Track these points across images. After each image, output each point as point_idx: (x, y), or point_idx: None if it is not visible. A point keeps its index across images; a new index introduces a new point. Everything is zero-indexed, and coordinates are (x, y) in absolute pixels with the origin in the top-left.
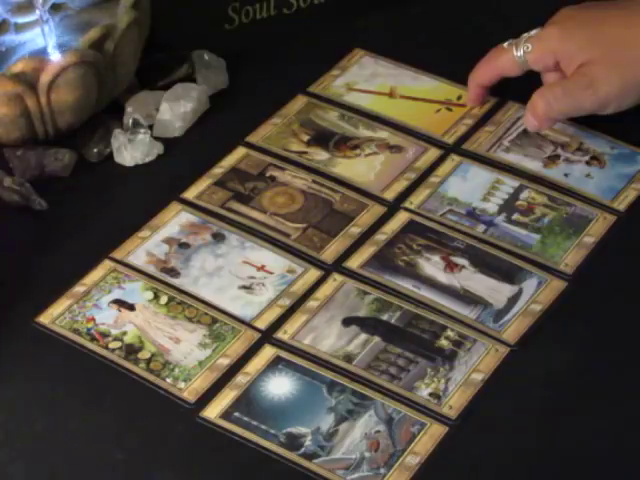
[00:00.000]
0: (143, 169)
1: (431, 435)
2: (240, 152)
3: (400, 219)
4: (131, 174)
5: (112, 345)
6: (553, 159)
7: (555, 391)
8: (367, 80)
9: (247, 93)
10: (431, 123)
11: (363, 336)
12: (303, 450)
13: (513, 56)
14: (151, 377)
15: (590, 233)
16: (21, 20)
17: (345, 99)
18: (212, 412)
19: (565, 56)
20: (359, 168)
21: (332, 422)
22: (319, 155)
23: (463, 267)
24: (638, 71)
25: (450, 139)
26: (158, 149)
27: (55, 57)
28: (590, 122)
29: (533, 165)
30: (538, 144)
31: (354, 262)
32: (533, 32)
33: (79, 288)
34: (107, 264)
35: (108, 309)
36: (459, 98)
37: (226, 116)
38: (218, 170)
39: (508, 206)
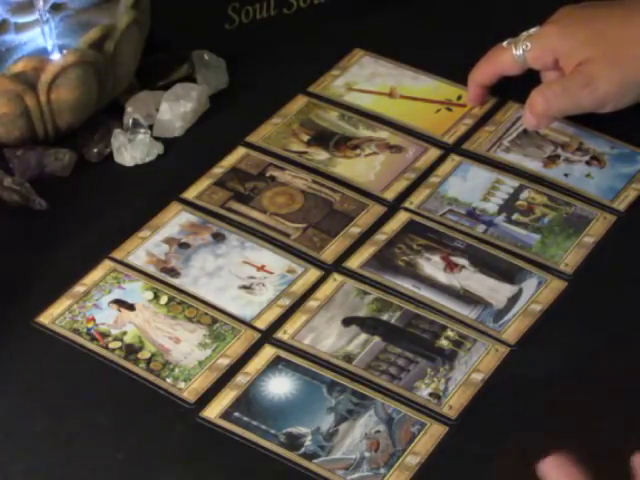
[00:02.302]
0: (143, 169)
1: (431, 435)
2: (240, 152)
3: (400, 219)
4: (131, 174)
5: (112, 345)
6: (553, 159)
7: (555, 391)
8: (367, 80)
9: (247, 93)
10: (431, 123)
11: (363, 336)
12: (303, 450)
13: (512, 55)
14: (151, 377)
15: (590, 233)
16: (21, 20)
17: (345, 99)
18: (212, 412)
19: (564, 54)
20: (359, 168)
21: (332, 422)
22: (319, 155)
23: (463, 267)
24: (637, 69)
25: (450, 139)
26: (158, 149)
27: (55, 57)
28: (590, 122)
29: (533, 165)
30: (538, 144)
31: (354, 262)
32: (532, 30)
33: (79, 288)
34: (107, 264)
35: (108, 309)
36: (459, 98)
37: (226, 116)
38: (218, 170)
39: (508, 206)
